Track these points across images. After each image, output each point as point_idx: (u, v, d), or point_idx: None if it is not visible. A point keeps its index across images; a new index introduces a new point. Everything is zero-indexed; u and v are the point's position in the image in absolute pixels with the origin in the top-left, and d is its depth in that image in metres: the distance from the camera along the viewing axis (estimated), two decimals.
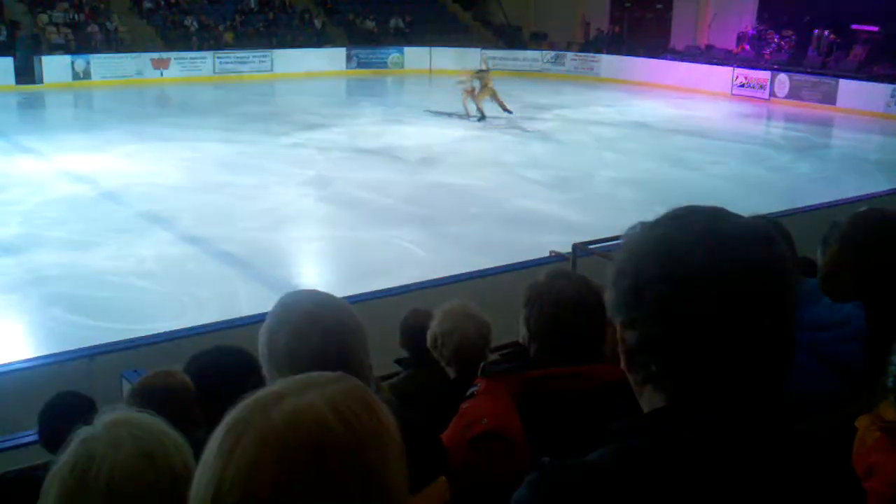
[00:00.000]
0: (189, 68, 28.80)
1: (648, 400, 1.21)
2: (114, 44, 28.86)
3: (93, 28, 29.02)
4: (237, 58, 29.82)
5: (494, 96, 20.56)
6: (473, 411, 2.33)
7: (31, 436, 4.65)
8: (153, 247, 10.52)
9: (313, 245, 11.30)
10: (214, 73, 29.10)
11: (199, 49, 29.66)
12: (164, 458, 1.37)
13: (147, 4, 31.02)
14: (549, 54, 31.81)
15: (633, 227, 1.22)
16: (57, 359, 5.88)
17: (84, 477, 1.31)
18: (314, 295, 1.93)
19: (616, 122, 21.60)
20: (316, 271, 10.50)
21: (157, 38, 29.89)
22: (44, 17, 28.74)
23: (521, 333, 3.48)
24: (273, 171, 14.86)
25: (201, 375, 2.96)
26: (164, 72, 28.22)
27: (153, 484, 1.34)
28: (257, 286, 9.37)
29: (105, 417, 1.43)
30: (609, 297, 1.22)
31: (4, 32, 27.61)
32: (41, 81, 26.41)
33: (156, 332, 7.41)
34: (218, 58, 29.48)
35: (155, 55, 28.45)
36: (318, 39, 32.32)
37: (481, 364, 2.54)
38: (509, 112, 20.72)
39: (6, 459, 4.50)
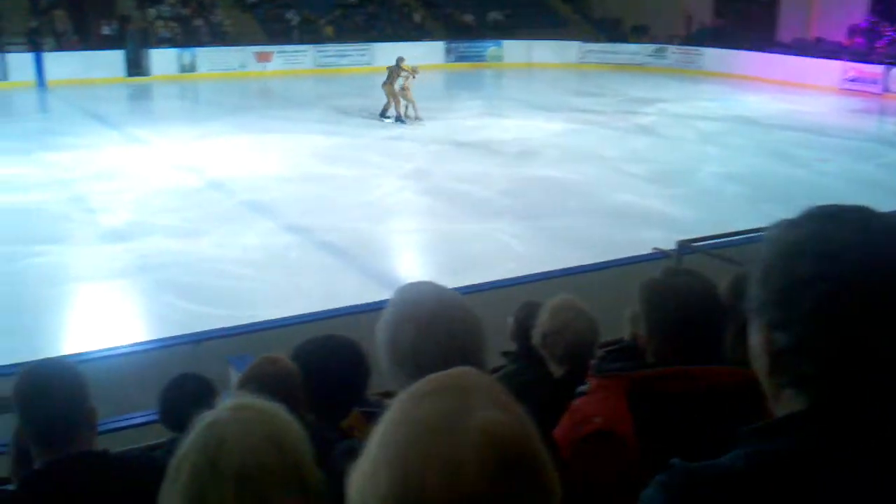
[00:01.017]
0: (291, 61, 29.34)
1: (787, 403, 1.15)
2: (219, 37, 29.61)
3: (199, 22, 29.82)
4: (337, 51, 30.23)
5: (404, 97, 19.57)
6: (586, 409, 2.28)
7: (141, 417, 4.80)
8: (257, 236, 10.73)
9: (412, 237, 11.36)
10: (315, 66, 29.57)
11: (301, 42, 30.17)
12: (291, 444, 1.38)
13: None
14: (651, 48, 31.28)
15: (775, 225, 1.18)
16: (165, 343, 6.06)
17: (215, 460, 1.32)
18: (435, 289, 1.89)
19: (720, 116, 21.09)
20: (414, 263, 10.55)
21: (260, 32, 30.52)
22: (152, 12, 29.67)
23: (628, 331, 3.41)
24: (373, 164, 15.01)
25: (309, 363, 2.97)
26: (267, 65, 28.81)
27: (281, 469, 1.35)
28: (357, 276, 9.47)
29: (229, 402, 1.44)
30: (754, 297, 1.17)
31: (116, 27, 28.60)
32: (150, 74, 27.30)
33: (259, 319, 7.58)
34: (318, 51, 29.94)
35: (258, 48, 29.07)
36: (417, 33, 32.50)
37: (592, 362, 2.50)
38: (402, 121, 19.44)
39: (119, 439, 4.64)
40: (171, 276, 9.23)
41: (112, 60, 26.94)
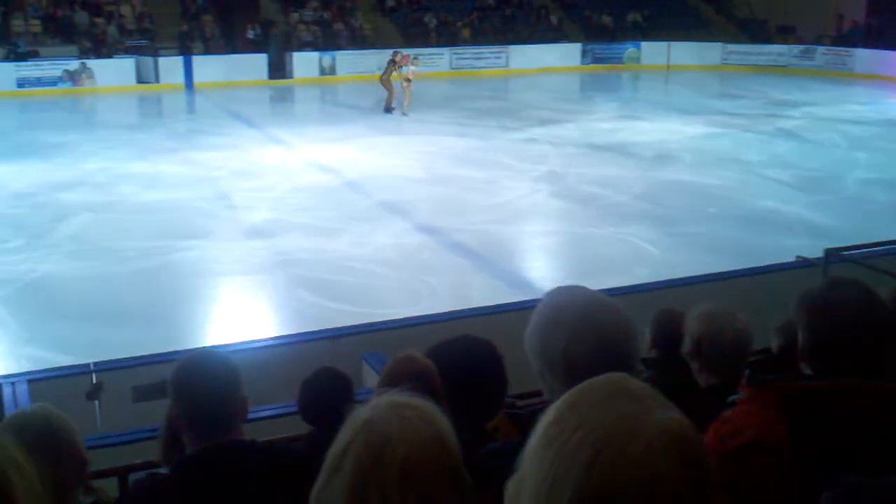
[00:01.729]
0: (427, 64, 29.62)
1: None
2: (358, 41, 30.23)
3: (339, 26, 30.53)
4: (473, 54, 30.39)
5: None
6: (738, 420, 2.18)
7: (275, 409, 4.90)
8: (391, 235, 10.86)
9: (545, 240, 11.27)
10: (451, 68, 29.80)
11: (437, 45, 30.47)
12: (451, 443, 1.37)
13: (390, 2, 32.21)
14: (797, 48, 30.11)
15: None
16: (302, 338, 6.18)
17: (380, 457, 1.32)
18: (586, 293, 1.87)
19: (871, 120, 20.09)
20: (546, 266, 10.46)
21: (398, 35, 30.99)
22: (295, 16, 30.56)
23: (775, 341, 3.25)
24: (506, 166, 14.98)
25: (446, 362, 2.95)
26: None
27: (444, 469, 1.34)
28: (489, 278, 9.46)
29: (386, 400, 1.42)
30: None
31: (260, 31, 29.60)
32: (291, 76, 28.13)
33: (393, 317, 7.66)
34: (454, 54, 30.16)
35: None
36: (554, 35, 32.32)
37: (746, 371, 2.39)
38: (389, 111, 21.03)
39: (251, 431, 4.76)
40: (308, 273, 9.45)
41: (256, 64, 27.90)
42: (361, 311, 8.19)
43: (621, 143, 17.02)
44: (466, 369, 2.86)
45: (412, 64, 21.08)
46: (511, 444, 2.14)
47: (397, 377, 2.73)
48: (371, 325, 6.62)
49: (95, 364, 5.41)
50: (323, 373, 3.42)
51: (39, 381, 5.02)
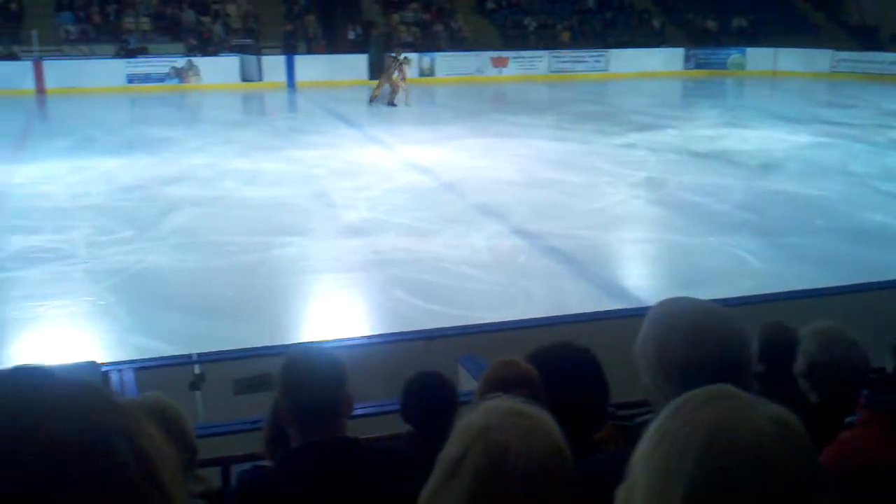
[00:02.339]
0: (526, 67, 29.60)
1: None
2: (457, 42, 30.34)
3: (438, 27, 30.69)
4: (572, 57, 30.18)
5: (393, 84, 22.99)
6: (857, 442, 2.11)
7: (369, 407, 4.92)
8: (486, 238, 10.84)
9: (642, 247, 11.08)
10: (549, 71, 29.67)
11: (537, 48, 30.36)
12: (567, 452, 1.37)
13: (490, 4, 32.24)
14: None
15: None
16: (398, 338, 6.20)
17: (500, 465, 1.32)
18: (700, 303, 1.87)
19: None
20: (644, 274, 10.28)
21: (497, 38, 30.99)
22: (396, 17, 30.86)
23: (889, 361, 3.12)
24: (604, 171, 14.81)
25: (548, 369, 2.92)
26: (503, 70, 29.20)
27: (562, 478, 1.34)
28: (585, 284, 9.35)
29: (499, 406, 1.41)
30: None
31: (361, 32, 29.98)
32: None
33: (487, 320, 7.63)
34: (553, 57, 30.01)
35: (494, 54, 29.54)
36: (656, 39, 31.84)
37: (863, 392, 2.30)
38: (393, 105, 22.98)
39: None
40: (403, 273, 9.49)
41: (356, 64, 28.30)
42: (456, 313, 8.18)
43: (724, 151, 16.65)
44: (568, 377, 2.82)
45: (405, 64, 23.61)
46: (619, 454, 2.11)
47: (499, 382, 2.70)
48: (467, 327, 6.60)
49: (198, 355, 5.54)
50: (428, 376, 3.42)
51: (145, 370, 5.16)
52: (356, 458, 2.32)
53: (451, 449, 1.37)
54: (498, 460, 1.32)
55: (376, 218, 11.74)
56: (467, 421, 1.40)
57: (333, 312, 8.60)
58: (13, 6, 28.68)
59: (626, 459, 1.13)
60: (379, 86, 23.42)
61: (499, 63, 29.32)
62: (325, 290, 9.25)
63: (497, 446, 1.33)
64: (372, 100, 23.17)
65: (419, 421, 3.19)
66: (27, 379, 0.75)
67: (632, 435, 2.44)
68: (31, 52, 26.67)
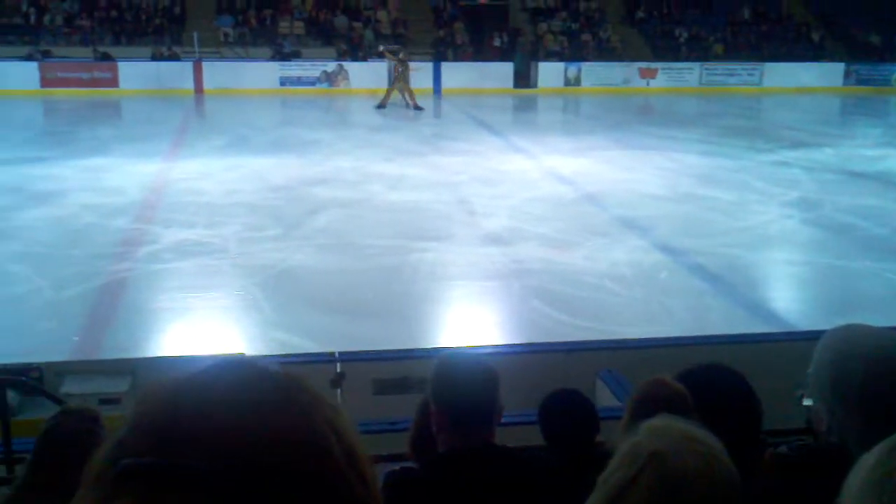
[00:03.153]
0: (675, 79, 28.97)
1: None
2: (605, 52, 30.01)
3: (587, 37, 30.43)
4: (725, 70, 29.36)
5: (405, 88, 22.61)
6: None
7: (505, 417, 4.87)
8: (627, 252, 10.63)
9: (793, 269, 10.62)
10: (700, 84, 28.95)
11: (687, 60, 29.68)
12: (738, 481, 1.30)
13: (640, 14, 31.74)
14: None
15: None
16: (536, 349, 6.14)
17: (677, 493, 1.26)
18: (876, 328, 1.80)
19: None
20: (794, 297, 9.85)
21: (645, 48, 30.48)
22: (543, 26, 30.78)
23: None
24: (754, 188, 14.30)
25: (699, 390, 2.80)
26: (651, 81, 28.70)
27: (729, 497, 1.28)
28: (730, 304, 9.03)
29: (670, 430, 1.35)
30: None
31: (507, 40, 30.06)
32: (535, 86, 28.37)
33: (626, 335, 7.48)
34: (705, 69, 29.27)
35: (643, 65, 29.06)
36: (814, 53, 30.60)
37: None
38: (420, 108, 22.77)
39: None
40: (542, 284, 9.41)
41: (502, 72, 28.38)
42: (594, 327, 8.06)
43: (885, 172, 15.82)
44: (722, 400, 2.70)
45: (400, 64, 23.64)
46: (777, 484, 2.00)
47: (650, 402, 2.61)
48: (607, 342, 6.49)
49: (340, 354, 5.64)
50: (569, 393, 3.36)
51: (289, 365, 5.29)
52: (503, 464, 2.29)
53: (619, 471, 1.31)
54: (674, 487, 1.27)
55: (516, 227, 11.70)
56: (635, 442, 1.34)
57: (470, 319, 8.61)
58: (177, 9, 30.18)
59: (784, 489, 1.11)
60: (388, 93, 23.65)
61: (647, 74, 28.81)
62: (462, 297, 9.27)
63: (674, 473, 1.27)
64: (381, 106, 23.43)
65: (558, 435, 3.13)
66: (244, 372, 0.74)
67: (791, 465, 2.30)
68: (192, 53, 27.98)
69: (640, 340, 6.60)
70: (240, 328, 8.08)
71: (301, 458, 0.68)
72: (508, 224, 11.87)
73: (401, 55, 23.53)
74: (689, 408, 2.66)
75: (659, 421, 1.40)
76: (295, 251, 10.33)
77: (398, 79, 23.02)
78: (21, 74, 26.32)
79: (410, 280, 9.55)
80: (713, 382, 2.86)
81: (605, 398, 5.18)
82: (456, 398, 2.33)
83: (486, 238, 11.18)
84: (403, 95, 22.97)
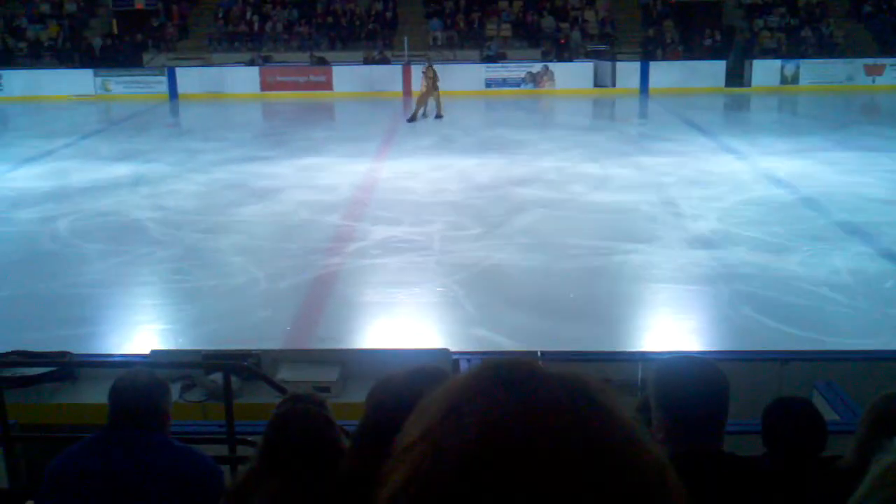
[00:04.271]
0: None
1: None
2: (826, 49, 28.34)
3: (806, 33, 28.85)
4: None
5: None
6: None
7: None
8: (849, 259, 9.96)
9: None
10: None
11: None
12: None
13: (867, 8, 29.77)
14: None
15: None
16: (749, 356, 5.84)
17: None
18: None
19: None
20: None
21: (871, 44, 28.54)
22: (759, 22, 29.45)
23: None
24: None
25: None
26: (877, 79, 26.82)
27: None
28: None
29: None
30: None
31: (719, 37, 28.98)
32: (749, 84, 27.18)
33: (846, 347, 7.00)
34: None
35: (869, 61, 27.19)
36: None
37: None
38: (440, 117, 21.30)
39: None
40: (753, 290, 8.98)
41: (712, 70, 27.41)
42: (811, 337, 7.60)
43: None
44: None
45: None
46: None
47: (891, 418, 2.41)
48: (826, 353, 6.08)
49: (542, 353, 5.58)
50: (797, 402, 3.15)
51: None
52: (725, 470, 2.17)
53: (880, 492, 1.18)
54: None
55: (726, 230, 11.23)
56: (881, 459, 1.20)
57: (675, 324, 8.33)
58: (389, 14, 31.15)
59: None
60: (418, 105, 21.93)
61: (873, 71, 26.91)
62: (668, 301, 8.99)
63: None
64: (412, 119, 21.65)
65: (783, 446, 2.93)
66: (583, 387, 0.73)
67: None
68: (402, 56, 28.81)
69: (862, 352, 6.15)
70: (442, 324, 8.20)
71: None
72: (718, 227, 11.41)
73: (426, 70, 22.17)
74: None
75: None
76: (497, 250, 10.38)
77: (430, 89, 21.72)
78: (244, 79, 28.07)
79: (614, 282, 9.37)
80: None
81: (822, 410, 4.84)
82: (682, 402, 2.23)
83: (694, 241, 10.81)
84: (437, 103, 21.86)
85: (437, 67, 22.09)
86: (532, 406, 0.69)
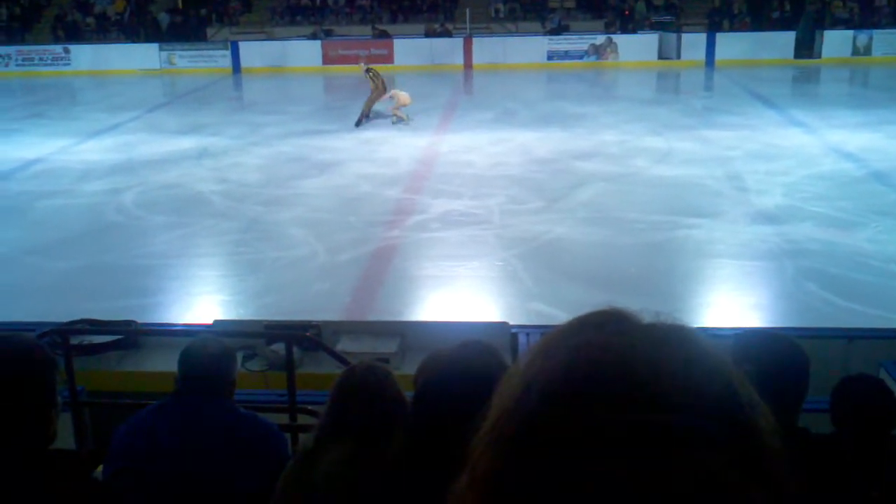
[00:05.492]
0: None
1: None
2: None
3: (880, 2, 27.97)
4: None
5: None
6: None
7: None
8: None
9: None
10: None
11: None
12: None
13: None
14: None
15: None
16: (813, 333, 5.71)
17: None
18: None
19: None
20: None
21: None
22: None
23: None
24: None
25: None
26: None
27: None
28: None
29: None
30: None
31: (788, 8, 28.22)
32: (819, 56, 26.45)
33: None
34: None
35: None
36: None
37: None
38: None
39: None
40: (818, 266, 8.79)
41: (781, 42, 26.74)
42: (878, 314, 7.42)
43: None
44: None
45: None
46: None
47: None
48: (893, 330, 5.93)
49: None
50: (866, 380, 3.09)
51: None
52: (813, 451, 2.16)
53: None
54: None
55: (792, 205, 10.99)
56: None
57: (737, 300, 8.20)
58: None
59: None
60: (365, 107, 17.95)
61: None
62: (731, 276, 8.84)
63: None
64: (358, 123, 17.64)
65: (854, 423, 2.87)
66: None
67: None
68: (463, 29, 28.65)
69: None
70: (500, 298, 8.20)
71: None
72: (783, 202, 11.17)
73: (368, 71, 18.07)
74: None
75: None
76: (557, 224, 10.31)
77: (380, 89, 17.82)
78: (306, 52, 28.23)
79: (676, 257, 9.26)
80: None
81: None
82: (768, 376, 2.20)
83: (759, 216, 10.60)
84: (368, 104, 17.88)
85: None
86: (620, 341, 0.67)
